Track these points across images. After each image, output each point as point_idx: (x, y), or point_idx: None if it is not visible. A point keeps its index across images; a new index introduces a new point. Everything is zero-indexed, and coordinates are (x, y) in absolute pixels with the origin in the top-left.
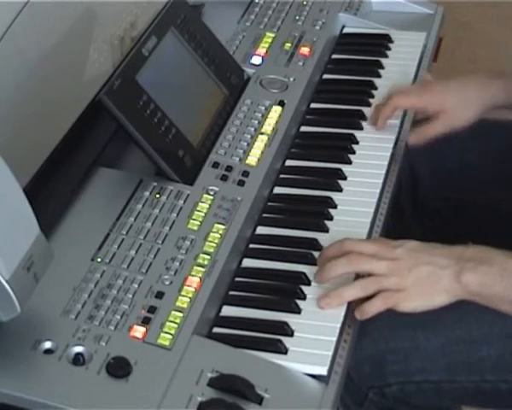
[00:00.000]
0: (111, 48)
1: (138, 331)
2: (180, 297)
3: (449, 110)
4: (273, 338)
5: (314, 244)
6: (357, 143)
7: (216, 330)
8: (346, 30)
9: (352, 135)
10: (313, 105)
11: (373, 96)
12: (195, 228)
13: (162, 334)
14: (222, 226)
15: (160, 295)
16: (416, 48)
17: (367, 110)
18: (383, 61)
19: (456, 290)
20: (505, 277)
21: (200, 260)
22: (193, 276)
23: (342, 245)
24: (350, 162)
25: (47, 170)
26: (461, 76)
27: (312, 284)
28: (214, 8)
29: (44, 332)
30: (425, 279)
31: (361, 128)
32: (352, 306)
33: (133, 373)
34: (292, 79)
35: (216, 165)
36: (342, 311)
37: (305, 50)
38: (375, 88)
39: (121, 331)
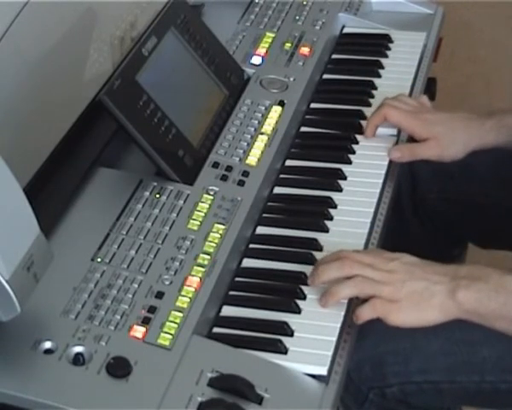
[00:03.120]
0: (111, 48)
1: (138, 331)
2: (180, 297)
3: (437, 140)
4: (273, 338)
5: (314, 244)
6: (357, 143)
7: (216, 330)
8: (346, 30)
9: (352, 135)
10: (313, 105)
11: (373, 96)
12: (195, 228)
13: (162, 334)
14: (222, 226)
15: (160, 295)
16: (416, 48)
17: (367, 110)
18: (383, 61)
19: (450, 308)
20: (501, 293)
21: (200, 260)
22: (193, 276)
23: (337, 253)
24: (350, 162)
25: (47, 170)
26: (462, 84)
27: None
28: (214, 8)
29: (44, 332)
30: (418, 294)
31: (361, 128)
32: (353, 307)
33: (133, 373)
34: (292, 79)
35: (216, 165)
36: (342, 311)
37: (305, 50)
38: (375, 88)
39: (121, 331)
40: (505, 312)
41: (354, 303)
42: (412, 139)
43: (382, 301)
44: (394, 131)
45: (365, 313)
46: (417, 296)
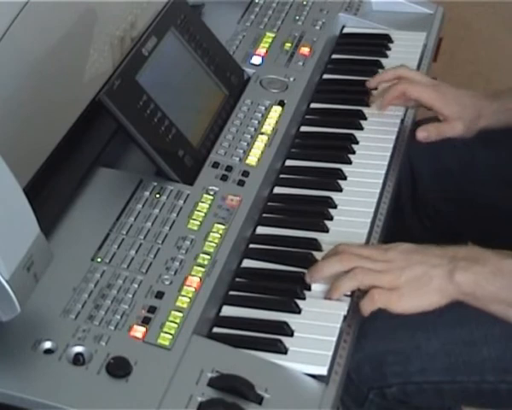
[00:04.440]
0: (111, 48)
1: (138, 331)
2: (180, 297)
3: (458, 118)
4: (273, 338)
5: (314, 244)
6: (357, 143)
7: (216, 330)
8: (346, 30)
9: (352, 135)
10: (313, 105)
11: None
12: (195, 228)
13: (162, 334)
14: (222, 226)
15: (160, 295)
16: (416, 48)
17: (367, 110)
18: (383, 61)
19: (449, 290)
20: (498, 276)
21: (200, 260)
22: (193, 276)
23: (336, 248)
24: (350, 162)
25: (47, 170)
26: (462, 84)
27: (312, 284)
28: (214, 8)
29: (44, 332)
30: (418, 279)
31: (361, 128)
32: (356, 297)
33: (133, 373)
34: (292, 79)
35: (216, 165)
36: (342, 311)
37: (305, 50)
38: (375, 88)
39: (121, 331)
40: (502, 295)
41: (356, 296)
42: (416, 126)
43: (380, 291)
44: (394, 132)
45: (366, 306)
46: (417, 282)
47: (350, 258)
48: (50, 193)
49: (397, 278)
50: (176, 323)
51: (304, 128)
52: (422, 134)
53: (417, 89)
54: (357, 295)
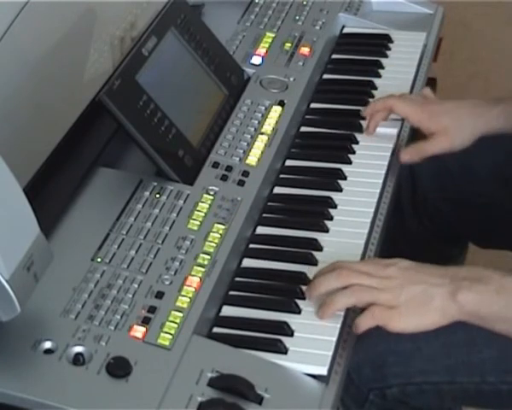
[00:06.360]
0: (111, 48)
1: (138, 331)
2: (180, 297)
3: (445, 132)
4: (273, 338)
5: (314, 244)
6: (357, 143)
7: (216, 330)
8: (346, 30)
9: (352, 135)
10: (313, 105)
11: (373, 96)
12: (195, 228)
13: (162, 334)
14: (222, 226)
15: (160, 295)
16: (416, 48)
17: None
18: (383, 61)
19: (451, 310)
20: (502, 295)
21: (200, 260)
22: (193, 276)
23: (333, 264)
24: (350, 162)
25: (47, 170)
26: (462, 84)
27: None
28: (214, 8)
29: (44, 332)
30: (418, 298)
31: (361, 128)
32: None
33: (133, 373)
34: (292, 79)
35: (216, 165)
36: (342, 311)
37: (305, 50)
38: (375, 88)
39: (121, 331)
40: (506, 314)
41: (351, 314)
42: (415, 135)
43: (381, 309)
44: (394, 132)
45: (365, 322)
46: (417, 301)
47: (349, 274)
48: (50, 193)
49: (396, 296)
50: (176, 323)
51: (304, 128)
52: (405, 157)
53: (405, 106)
54: (352, 309)
